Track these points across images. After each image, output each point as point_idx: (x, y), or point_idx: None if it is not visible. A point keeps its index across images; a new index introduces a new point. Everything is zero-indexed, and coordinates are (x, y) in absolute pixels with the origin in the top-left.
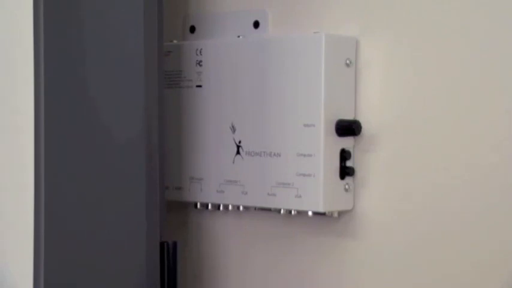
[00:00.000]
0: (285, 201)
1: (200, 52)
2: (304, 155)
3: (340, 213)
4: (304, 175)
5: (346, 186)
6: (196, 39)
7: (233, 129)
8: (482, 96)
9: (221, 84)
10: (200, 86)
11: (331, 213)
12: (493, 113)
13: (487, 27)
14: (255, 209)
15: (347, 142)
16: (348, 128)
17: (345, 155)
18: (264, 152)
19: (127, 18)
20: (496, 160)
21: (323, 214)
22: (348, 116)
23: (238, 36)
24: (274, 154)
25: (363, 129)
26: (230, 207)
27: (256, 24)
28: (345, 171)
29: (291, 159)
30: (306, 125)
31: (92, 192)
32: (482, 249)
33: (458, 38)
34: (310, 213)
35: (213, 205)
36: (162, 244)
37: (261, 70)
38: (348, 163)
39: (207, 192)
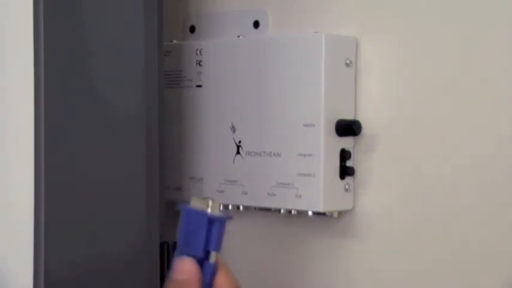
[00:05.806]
0: (285, 201)
1: (200, 52)
2: (304, 155)
3: (340, 213)
4: (304, 175)
5: (346, 186)
6: (196, 39)
7: (233, 129)
8: (482, 96)
9: (221, 84)
10: (200, 86)
11: (331, 213)
12: (493, 113)
13: (487, 27)
14: (255, 209)
15: (347, 142)
16: (348, 128)
17: (345, 155)
18: (264, 152)
19: (127, 18)
20: (497, 160)
21: (323, 214)
22: (348, 116)
23: (238, 36)
24: (274, 154)
25: (363, 129)
26: (230, 207)
27: (256, 24)
28: (345, 171)
29: (291, 159)
30: (306, 125)
31: (92, 192)
32: (483, 249)
33: (458, 38)
34: (310, 213)
35: None
36: (162, 244)
37: (261, 70)
38: (348, 163)
39: (207, 192)
